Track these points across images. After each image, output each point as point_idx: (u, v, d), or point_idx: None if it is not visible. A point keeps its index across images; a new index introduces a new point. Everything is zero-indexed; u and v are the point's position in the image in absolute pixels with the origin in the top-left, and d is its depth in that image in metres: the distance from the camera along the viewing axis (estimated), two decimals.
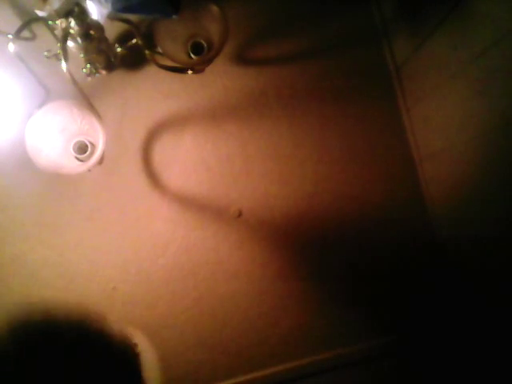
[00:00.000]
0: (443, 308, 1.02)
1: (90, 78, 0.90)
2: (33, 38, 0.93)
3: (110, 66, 0.91)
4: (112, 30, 0.94)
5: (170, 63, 0.87)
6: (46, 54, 0.85)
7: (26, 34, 0.91)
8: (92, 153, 0.87)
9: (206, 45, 0.90)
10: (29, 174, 0.95)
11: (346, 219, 1.03)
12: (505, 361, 0.88)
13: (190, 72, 0.89)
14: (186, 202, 1.00)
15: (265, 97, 1.02)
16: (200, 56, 0.90)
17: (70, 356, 0.37)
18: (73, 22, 0.76)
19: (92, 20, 0.79)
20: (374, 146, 1.03)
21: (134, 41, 0.89)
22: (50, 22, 0.78)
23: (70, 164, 0.86)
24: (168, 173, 1.00)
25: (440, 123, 0.93)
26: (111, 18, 0.83)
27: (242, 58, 1.03)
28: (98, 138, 0.81)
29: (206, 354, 1.00)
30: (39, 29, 0.91)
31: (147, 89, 1.00)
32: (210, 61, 0.89)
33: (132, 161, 0.99)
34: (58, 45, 0.77)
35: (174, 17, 0.80)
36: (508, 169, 0.75)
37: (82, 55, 0.85)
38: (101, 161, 0.87)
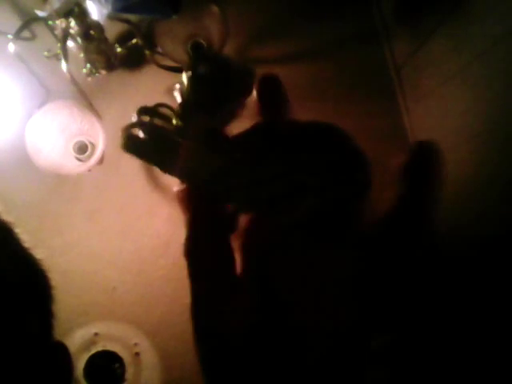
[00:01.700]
0: (442, 308, 1.02)
1: (89, 78, 0.90)
2: (33, 37, 0.93)
3: (110, 66, 0.91)
4: (112, 30, 0.94)
5: (170, 63, 0.87)
6: (45, 54, 0.85)
7: (26, 34, 0.91)
8: (92, 153, 0.87)
9: (206, 45, 0.91)
10: (29, 174, 0.95)
11: None
12: (505, 361, 0.88)
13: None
14: None
15: None
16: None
17: None
18: (73, 22, 0.76)
19: (92, 20, 0.79)
20: (374, 146, 1.03)
21: (134, 41, 0.89)
22: (49, 22, 0.78)
23: (70, 164, 0.86)
24: None
25: (440, 123, 0.93)
26: (111, 17, 0.83)
27: (242, 58, 1.03)
28: (98, 138, 0.81)
29: None
30: (39, 29, 0.91)
31: (147, 89, 1.00)
32: None
33: (132, 161, 0.99)
34: (58, 45, 0.78)
35: (173, 17, 0.80)
36: (508, 168, 0.75)
37: (82, 55, 0.85)
38: (101, 161, 0.87)
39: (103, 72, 0.91)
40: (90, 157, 0.86)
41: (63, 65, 0.75)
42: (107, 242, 0.98)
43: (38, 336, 0.31)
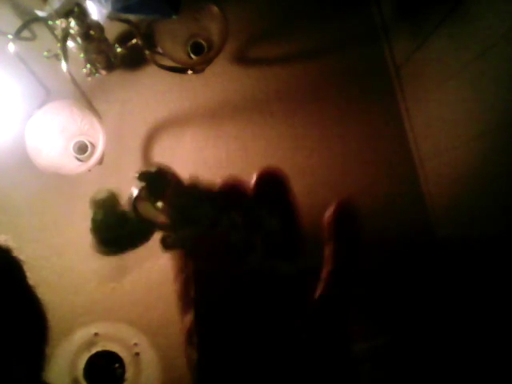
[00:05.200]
0: (442, 308, 1.02)
1: (89, 78, 0.90)
2: (33, 38, 0.93)
3: (110, 66, 0.91)
4: (112, 30, 0.94)
5: (170, 63, 0.87)
6: (45, 54, 0.85)
7: (26, 34, 0.91)
8: (92, 153, 0.87)
9: (205, 45, 0.91)
10: (29, 174, 0.95)
11: None
12: (505, 362, 0.88)
13: (189, 72, 0.89)
14: None
15: (265, 97, 1.02)
16: (200, 56, 0.90)
17: None
18: (73, 22, 0.76)
19: (92, 20, 0.79)
20: (374, 146, 1.03)
21: (134, 41, 0.89)
22: (49, 22, 0.79)
23: (70, 164, 0.86)
24: None
25: (440, 123, 0.93)
26: (111, 17, 0.83)
27: (242, 58, 1.03)
28: (98, 138, 0.81)
29: None
30: (39, 29, 0.91)
31: (147, 89, 1.00)
32: (209, 61, 0.89)
33: (132, 161, 0.99)
34: (58, 45, 0.78)
35: (173, 17, 0.80)
36: (509, 169, 0.75)
37: (81, 55, 0.85)
38: (101, 161, 0.87)
39: (103, 72, 0.91)
40: (89, 157, 0.86)
41: (63, 65, 0.75)
42: None
43: (24, 379, 0.30)
